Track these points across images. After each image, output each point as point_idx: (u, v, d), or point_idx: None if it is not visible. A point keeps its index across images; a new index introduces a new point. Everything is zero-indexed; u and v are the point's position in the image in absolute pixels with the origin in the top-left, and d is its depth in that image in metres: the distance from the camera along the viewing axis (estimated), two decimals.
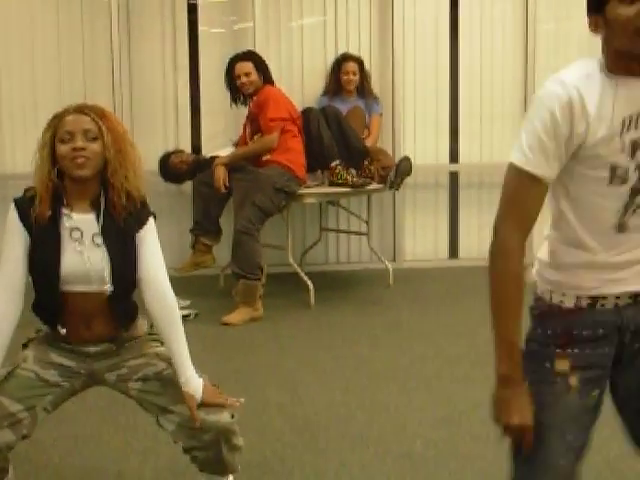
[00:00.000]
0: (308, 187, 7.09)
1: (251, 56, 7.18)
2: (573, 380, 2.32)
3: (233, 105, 7.35)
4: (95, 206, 3.14)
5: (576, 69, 2.25)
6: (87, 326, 3.20)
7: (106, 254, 3.12)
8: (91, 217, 3.13)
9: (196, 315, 6.61)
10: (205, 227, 7.04)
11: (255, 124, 7.03)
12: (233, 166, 6.88)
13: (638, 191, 2.22)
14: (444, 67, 8.47)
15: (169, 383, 3.25)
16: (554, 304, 2.35)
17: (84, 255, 3.10)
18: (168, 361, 3.27)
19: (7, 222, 3.14)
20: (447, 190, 8.68)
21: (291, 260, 7.08)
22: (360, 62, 7.89)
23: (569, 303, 2.33)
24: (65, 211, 3.11)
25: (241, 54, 7.19)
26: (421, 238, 8.62)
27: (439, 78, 8.47)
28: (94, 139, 3.06)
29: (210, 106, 8.14)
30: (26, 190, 3.16)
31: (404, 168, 7.31)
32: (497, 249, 2.29)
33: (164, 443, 4.16)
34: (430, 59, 8.41)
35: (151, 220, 3.24)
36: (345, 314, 6.75)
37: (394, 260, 8.34)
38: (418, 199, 8.53)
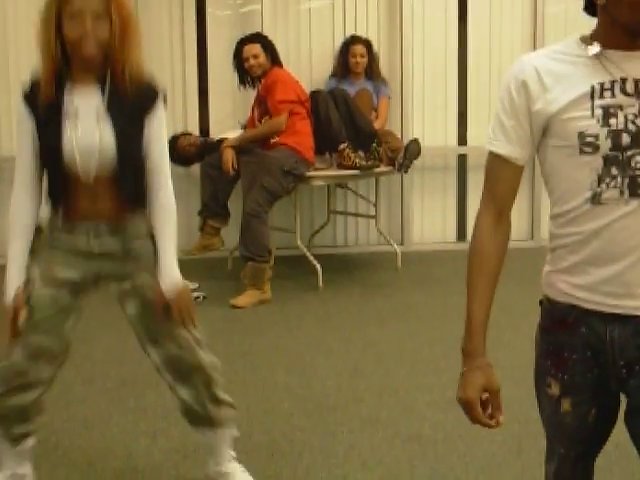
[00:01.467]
0: (316, 169, 7.09)
1: (259, 38, 7.17)
2: (565, 404, 2.30)
3: (241, 87, 7.34)
4: (100, 81, 3.11)
5: (543, 49, 2.26)
6: (93, 202, 3.14)
7: (111, 129, 3.08)
8: (96, 93, 3.10)
9: (204, 298, 6.62)
10: (213, 210, 7.04)
11: (263, 106, 7.03)
12: (241, 149, 6.88)
13: (612, 161, 2.12)
14: (452, 49, 8.46)
15: (163, 313, 3.18)
16: (547, 311, 2.32)
17: (81, 131, 3.06)
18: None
19: (16, 115, 3.17)
20: (455, 173, 8.67)
21: (299, 243, 7.09)
22: (368, 44, 7.87)
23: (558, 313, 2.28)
24: (69, 88, 3.10)
25: (249, 36, 7.19)
26: (429, 221, 8.62)
27: (447, 60, 8.46)
28: (102, 18, 3.01)
29: (218, 88, 8.14)
30: (32, 74, 3.15)
31: (413, 150, 7.31)
32: (473, 227, 2.30)
33: (173, 425, 4.18)
34: (438, 41, 8.40)
35: (160, 105, 3.18)
36: (353, 297, 6.76)
37: (402, 243, 8.34)
38: (426, 182, 8.53)
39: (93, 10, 2.99)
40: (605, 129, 2.11)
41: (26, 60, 7.64)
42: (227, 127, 7.70)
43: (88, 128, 3.07)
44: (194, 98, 8.21)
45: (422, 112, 8.44)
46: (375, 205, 7.94)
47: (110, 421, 4.33)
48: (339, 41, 8.09)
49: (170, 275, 3.16)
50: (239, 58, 7.13)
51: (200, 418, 3.40)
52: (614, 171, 2.11)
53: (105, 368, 5.00)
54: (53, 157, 3.10)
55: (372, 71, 7.87)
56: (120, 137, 3.08)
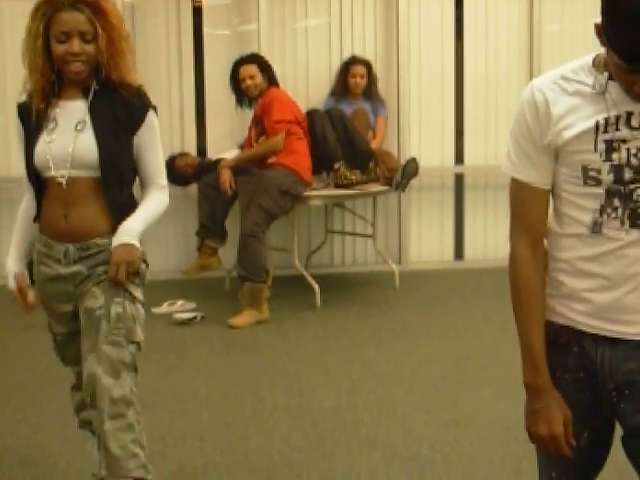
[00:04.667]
0: (314, 189, 7.09)
1: (255, 59, 7.18)
2: None
3: (238, 107, 7.35)
4: (86, 93, 3.16)
5: (554, 71, 2.25)
6: (72, 215, 3.13)
7: (93, 139, 3.10)
8: (81, 104, 3.15)
9: (202, 318, 6.61)
10: (211, 230, 7.04)
11: (260, 126, 7.03)
12: (239, 169, 6.88)
13: (614, 193, 2.14)
14: (449, 69, 8.47)
15: (93, 325, 3.10)
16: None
17: (56, 140, 3.10)
18: (108, 299, 3.11)
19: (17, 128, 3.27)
20: (452, 192, 8.67)
21: (297, 262, 7.08)
22: (368, 65, 7.89)
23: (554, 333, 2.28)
24: (55, 101, 3.16)
25: (245, 57, 7.20)
26: (427, 240, 8.61)
27: (444, 80, 8.46)
28: (90, 40, 3.05)
29: (215, 108, 8.15)
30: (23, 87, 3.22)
31: (411, 169, 7.32)
32: (510, 259, 2.29)
33: (171, 446, 4.17)
34: (435, 61, 8.41)
35: (150, 115, 3.20)
36: (351, 316, 6.74)
37: (400, 262, 8.33)
38: (423, 201, 8.52)
39: (80, 30, 3.03)
40: (607, 164, 2.13)
41: (22, 78, 7.65)
42: (224, 147, 7.70)
43: (65, 137, 3.10)
44: (191, 118, 8.21)
45: (419, 131, 8.44)
46: (372, 224, 7.94)
47: None
48: (336, 61, 8.10)
49: (124, 231, 3.12)
50: (235, 79, 7.14)
51: (105, 455, 3.14)
52: (616, 203, 2.14)
53: None
54: (30, 166, 3.17)
55: (371, 91, 7.87)
56: (103, 146, 3.09)
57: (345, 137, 7.22)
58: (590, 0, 7.41)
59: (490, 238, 8.47)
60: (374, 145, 7.64)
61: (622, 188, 2.13)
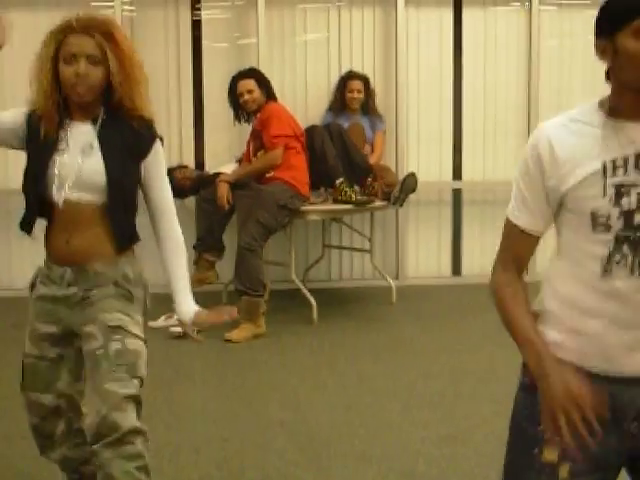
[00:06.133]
0: (311, 204, 7.08)
1: (253, 73, 7.18)
2: (563, 471, 2.19)
3: (236, 123, 7.34)
4: (96, 117, 3.15)
5: (564, 114, 2.22)
6: (75, 239, 3.12)
7: (101, 162, 3.09)
8: (90, 128, 3.14)
9: (198, 332, 6.57)
10: (208, 243, 7.04)
11: (259, 141, 7.03)
12: (236, 183, 6.88)
13: (624, 240, 2.10)
14: (448, 84, 8.48)
15: (95, 366, 3.06)
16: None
17: (66, 162, 3.08)
18: (106, 337, 3.07)
19: (12, 109, 3.26)
20: (450, 207, 8.67)
21: (294, 277, 7.07)
22: (366, 80, 7.89)
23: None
24: (67, 123, 3.14)
25: (243, 72, 7.20)
26: (424, 255, 8.61)
27: (442, 95, 8.47)
28: (98, 63, 3.04)
29: (214, 122, 8.15)
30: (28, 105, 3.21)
31: (409, 184, 7.32)
32: (490, 289, 2.30)
33: (167, 460, 4.15)
34: (434, 76, 8.42)
35: (157, 145, 3.22)
36: (348, 331, 6.73)
37: (397, 277, 8.32)
38: (421, 216, 8.52)
39: (89, 54, 3.03)
40: (617, 209, 2.09)
41: (21, 87, 7.64)
42: (223, 161, 7.70)
43: (73, 159, 3.09)
44: (189, 131, 8.21)
45: (417, 146, 8.45)
46: (370, 239, 7.94)
47: None
48: (335, 75, 8.12)
49: (184, 303, 3.34)
50: (234, 93, 7.13)
51: None
52: (625, 250, 2.10)
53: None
54: (34, 185, 3.13)
55: (368, 106, 7.88)
56: (111, 170, 3.09)
57: (344, 152, 7.22)
58: (589, 15, 7.43)
59: (488, 254, 8.44)
60: (373, 160, 7.64)
61: (631, 234, 2.10)
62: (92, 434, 2.97)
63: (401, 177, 7.51)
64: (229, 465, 4.13)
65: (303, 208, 6.95)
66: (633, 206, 2.08)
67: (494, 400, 4.92)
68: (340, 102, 7.86)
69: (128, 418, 2.98)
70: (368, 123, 7.84)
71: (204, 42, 8.19)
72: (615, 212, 2.09)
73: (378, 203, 7.32)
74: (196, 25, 8.18)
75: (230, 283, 7.14)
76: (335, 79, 8.05)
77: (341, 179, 7.08)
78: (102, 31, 3.05)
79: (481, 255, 8.45)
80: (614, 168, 2.09)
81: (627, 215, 2.09)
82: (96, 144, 3.11)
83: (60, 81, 3.07)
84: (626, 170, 2.09)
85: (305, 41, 8.29)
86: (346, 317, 7.19)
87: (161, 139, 3.26)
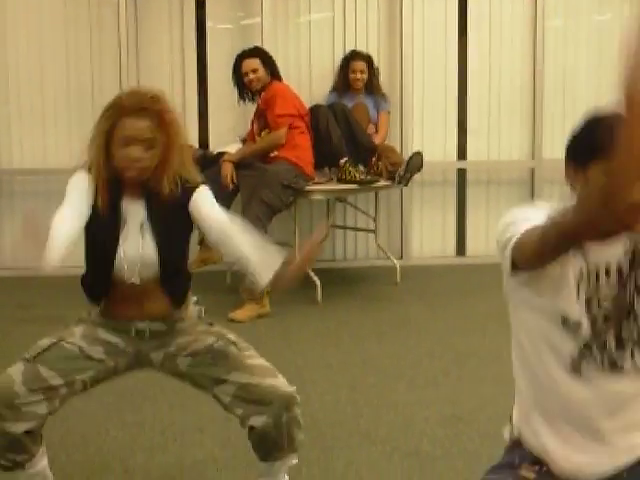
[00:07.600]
0: (316, 184, 7.07)
1: (258, 52, 7.16)
2: None
3: (241, 102, 7.33)
4: (145, 194, 3.19)
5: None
6: (138, 305, 3.24)
7: (152, 240, 3.17)
8: (141, 205, 3.19)
9: (203, 311, 6.58)
10: None
11: (263, 120, 7.02)
12: (240, 162, 6.87)
13: (591, 345, 2.17)
14: (452, 64, 8.46)
15: (220, 355, 3.30)
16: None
17: (128, 243, 3.16)
18: (217, 335, 3.39)
19: (75, 182, 3.17)
20: (455, 187, 8.66)
21: (298, 256, 7.05)
22: (369, 60, 7.86)
23: None
24: (122, 198, 3.18)
25: (248, 51, 7.18)
26: (428, 235, 8.60)
27: (447, 75, 8.45)
28: (150, 147, 3.08)
29: (218, 102, 8.14)
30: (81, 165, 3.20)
31: (415, 163, 7.30)
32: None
33: (171, 439, 4.17)
34: (439, 56, 8.40)
35: (201, 187, 3.28)
36: (352, 311, 6.74)
37: (401, 257, 8.32)
38: (426, 196, 8.51)
39: (141, 138, 3.06)
40: (587, 317, 2.15)
41: (25, 68, 7.65)
42: (227, 141, 7.68)
43: (133, 240, 3.16)
44: (194, 111, 8.20)
45: (422, 126, 8.43)
46: (374, 219, 7.94)
47: (107, 436, 4.31)
48: (339, 55, 8.09)
49: (273, 265, 3.48)
50: (238, 73, 7.12)
51: (275, 447, 3.34)
52: (595, 350, 2.18)
53: (139, 369, 4.98)
54: (102, 260, 3.19)
55: (372, 86, 7.85)
56: (161, 246, 3.18)
57: (348, 132, 7.21)
58: None
59: (492, 234, 8.41)
60: (377, 140, 7.62)
61: (599, 337, 2.17)
62: (280, 404, 3.30)
63: (406, 157, 7.50)
64: (233, 445, 4.13)
65: (307, 188, 6.94)
66: (599, 311, 2.17)
67: (498, 380, 4.92)
68: (343, 83, 7.83)
69: (285, 383, 3.42)
70: (372, 103, 7.81)
71: (208, 23, 8.17)
72: (585, 320, 2.16)
73: (383, 182, 7.31)
74: (200, 5, 8.16)
75: (234, 263, 7.12)
76: (340, 59, 8.02)
77: (345, 159, 7.07)
78: (155, 111, 3.11)
79: (485, 235, 8.45)
80: (587, 275, 2.16)
81: (594, 320, 2.17)
82: (147, 225, 3.18)
83: (112, 156, 3.10)
84: (597, 278, 2.15)
85: (309, 21, 8.27)
86: (350, 297, 7.20)
87: (204, 183, 3.31)
